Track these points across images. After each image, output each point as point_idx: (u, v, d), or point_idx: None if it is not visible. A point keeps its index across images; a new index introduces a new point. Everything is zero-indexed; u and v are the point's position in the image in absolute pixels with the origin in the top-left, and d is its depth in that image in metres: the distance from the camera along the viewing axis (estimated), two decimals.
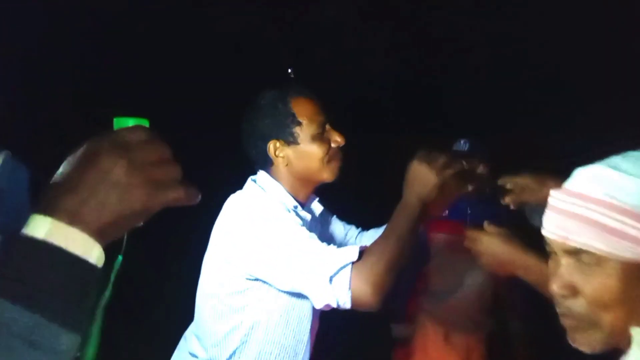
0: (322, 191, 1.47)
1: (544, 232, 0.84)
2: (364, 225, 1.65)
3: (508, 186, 1.44)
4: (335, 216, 1.61)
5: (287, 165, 1.36)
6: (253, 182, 1.39)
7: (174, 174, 0.55)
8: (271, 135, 1.35)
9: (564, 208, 0.79)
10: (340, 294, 1.17)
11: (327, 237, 1.44)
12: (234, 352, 1.32)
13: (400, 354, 2.33)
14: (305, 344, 1.38)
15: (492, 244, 1.38)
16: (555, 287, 0.78)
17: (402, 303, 2.35)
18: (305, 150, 1.35)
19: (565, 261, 0.78)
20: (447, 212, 2.25)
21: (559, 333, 0.82)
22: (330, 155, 1.35)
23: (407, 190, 1.30)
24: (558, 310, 0.81)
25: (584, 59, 3.82)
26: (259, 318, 1.31)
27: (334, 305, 1.19)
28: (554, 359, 1.73)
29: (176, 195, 0.54)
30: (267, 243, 1.24)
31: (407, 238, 1.25)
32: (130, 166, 0.51)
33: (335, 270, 1.17)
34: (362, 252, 1.21)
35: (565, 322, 0.80)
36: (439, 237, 2.27)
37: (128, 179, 0.51)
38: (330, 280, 1.17)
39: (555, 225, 0.80)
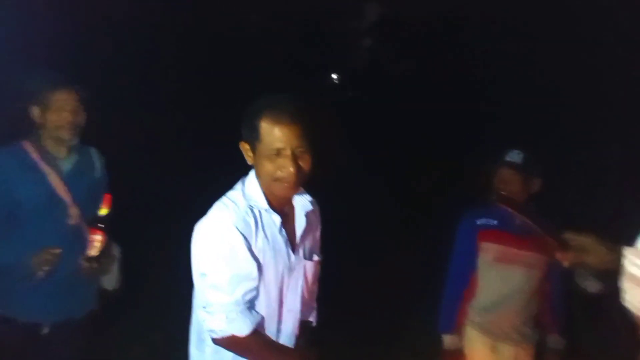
0: None
1: (627, 304, 0.81)
2: None
3: (571, 243, 1.41)
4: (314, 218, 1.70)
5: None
6: (243, 178, 1.57)
7: None
8: (245, 136, 1.49)
9: None
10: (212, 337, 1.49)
11: (299, 237, 1.59)
12: None
13: None
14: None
15: (590, 244, 1.36)
16: None
17: (451, 313, 2.34)
18: (257, 163, 1.48)
19: None
20: (495, 222, 2.25)
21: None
22: (277, 177, 1.45)
23: None
24: None
25: None
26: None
27: None
28: None
29: None
30: (196, 263, 1.48)
31: None
32: None
33: (219, 325, 1.46)
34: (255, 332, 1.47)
35: None
36: (487, 247, 2.27)
37: None
38: (211, 332, 1.48)
39: None
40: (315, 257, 1.67)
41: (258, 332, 1.51)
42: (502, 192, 2.23)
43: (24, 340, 2.07)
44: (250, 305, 1.49)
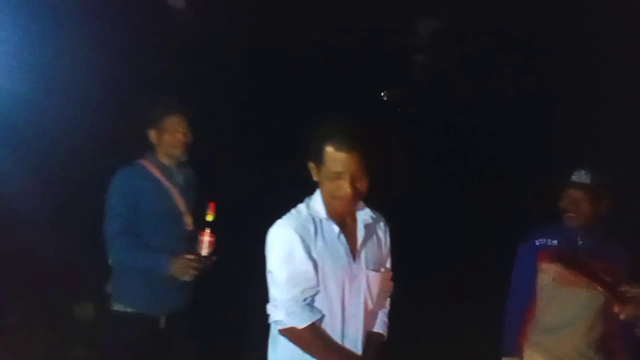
0: None
1: None
2: None
3: (628, 294, 1.43)
4: (380, 231, 1.85)
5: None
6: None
7: None
8: (311, 157, 1.69)
9: None
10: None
11: (359, 246, 1.75)
12: None
13: None
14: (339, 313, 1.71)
15: None
16: None
17: (512, 335, 2.32)
18: (321, 181, 1.69)
19: None
20: (555, 242, 2.21)
21: None
22: (336, 195, 1.64)
23: None
24: None
25: None
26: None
27: None
28: None
29: None
30: (267, 263, 1.69)
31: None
32: None
33: (280, 317, 1.64)
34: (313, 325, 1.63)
35: None
36: (545, 268, 2.23)
37: None
38: (275, 323, 1.68)
39: None
40: (382, 269, 1.79)
41: (319, 329, 1.66)
42: (570, 214, 2.18)
43: (144, 333, 2.35)
44: (310, 303, 1.66)
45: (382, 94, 12.39)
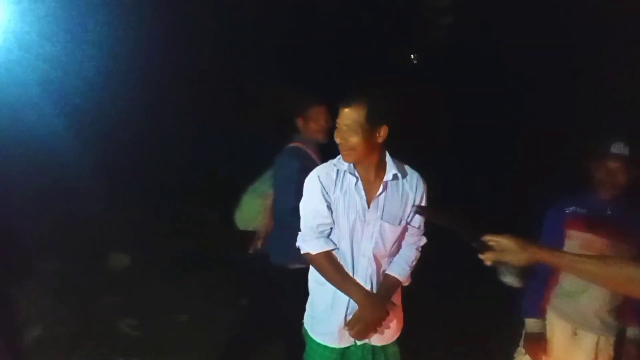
0: None
1: None
2: None
3: (490, 244, 1.60)
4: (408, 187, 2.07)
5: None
6: None
7: None
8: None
9: None
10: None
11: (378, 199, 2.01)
12: None
13: (531, 349, 2.37)
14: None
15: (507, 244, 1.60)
16: None
17: (535, 298, 2.38)
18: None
19: None
20: (585, 210, 2.25)
21: None
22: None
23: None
24: None
25: None
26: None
27: None
28: None
29: None
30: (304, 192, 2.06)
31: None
32: None
33: (300, 244, 2.06)
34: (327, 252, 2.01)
35: None
36: (573, 235, 2.28)
37: None
38: (299, 248, 2.07)
39: None
40: (400, 223, 2.02)
41: (332, 259, 2.02)
42: (607, 185, 2.22)
43: (298, 282, 2.38)
44: (325, 236, 2.03)
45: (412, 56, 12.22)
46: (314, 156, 2.69)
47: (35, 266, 3.95)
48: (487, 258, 1.60)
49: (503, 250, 1.58)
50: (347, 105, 1.89)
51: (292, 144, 2.74)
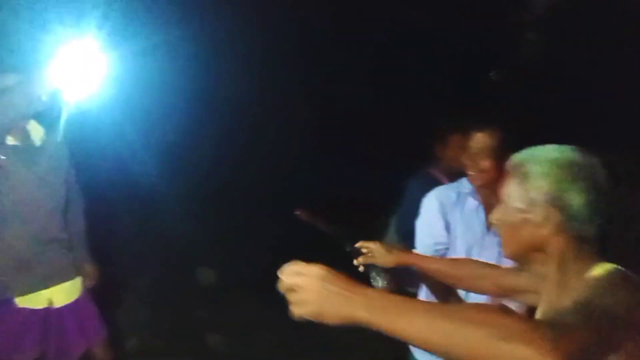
0: None
1: None
2: None
3: (363, 250, 1.76)
4: None
5: None
6: None
7: None
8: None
9: None
10: None
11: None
12: None
13: None
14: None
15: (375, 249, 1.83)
16: None
17: None
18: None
19: None
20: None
21: None
22: (470, 171, 2.00)
23: None
24: None
25: None
26: None
27: None
28: None
29: None
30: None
31: None
32: None
33: None
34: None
35: None
36: None
37: None
38: None
39: None
40: None
41: None
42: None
43: None
44: (439, 255, 2.00)
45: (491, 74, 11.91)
46: (445, 182, 2.68)
47: (133, 281, 4.16)
48: (359, 262, 1.74)
49: (373, 255, 1.75)
50: (481, 130, 1.93)
51: (426, 170, 2.83)
